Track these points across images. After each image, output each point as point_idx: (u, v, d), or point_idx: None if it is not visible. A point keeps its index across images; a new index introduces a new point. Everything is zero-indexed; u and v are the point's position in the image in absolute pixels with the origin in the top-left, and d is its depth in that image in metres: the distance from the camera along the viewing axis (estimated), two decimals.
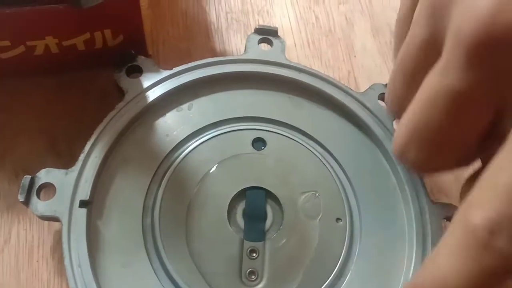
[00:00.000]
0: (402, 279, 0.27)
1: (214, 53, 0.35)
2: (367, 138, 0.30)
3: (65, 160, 0.30)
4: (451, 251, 0.17)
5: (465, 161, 0.21)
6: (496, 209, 0.16)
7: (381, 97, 0.31)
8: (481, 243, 0.16)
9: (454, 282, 0.17)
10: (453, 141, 0.19)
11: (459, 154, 0.20)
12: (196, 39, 0.36)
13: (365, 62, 0.36)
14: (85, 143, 0.27)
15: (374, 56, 0.36)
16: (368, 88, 0.31)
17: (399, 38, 0.24)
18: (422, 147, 0.20)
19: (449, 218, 0.28)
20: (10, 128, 0.31)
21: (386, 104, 0.25)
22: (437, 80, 0.18)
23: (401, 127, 0.21)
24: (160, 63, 0.31)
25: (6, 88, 0.32)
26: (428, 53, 0.20)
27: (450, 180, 0.33)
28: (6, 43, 0.28)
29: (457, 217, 0.17)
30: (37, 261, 0.28)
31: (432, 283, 0.17)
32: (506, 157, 0.16)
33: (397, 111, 0.23)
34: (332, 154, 0.30)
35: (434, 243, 0.27)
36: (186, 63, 0.30)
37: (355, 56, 0.36)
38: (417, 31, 0.20)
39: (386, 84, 0.31)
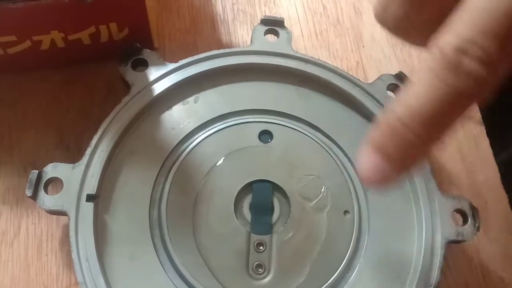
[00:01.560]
0: (411, 272, 0.26)
1: (220, 45, 0.35)
2: None
3: (73, 153, 0.30)
4: (422, 76, 0.18)
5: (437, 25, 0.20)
6: (466, 32, 0.16)
7: (390, 88, 0.31)
8: (449, 65, 0.17)
9: (423, 103, 0.17)
10: None
11: (436, 11, 0.19)
12: (202, 31, 0.35)
13: (374, 52, 0.36)
14: (91, 137, 0.27)
15: (383, 46, 0.36)
16: (377, 78, 0.31)
17: None
18: (403, 1, 0.20)
19: (459, 211, 0.28)
20: (17, 123, 0.31)
21: None
22: None
23: None
24: (166, 56, 0.31)
25: (13, 83, 0.32)
26: None
27: (462, 172, 0.32)
28: (12, 38, 0.28)
29: (431, 46, 0.18)
30: (46, 255, 0.28)
31: (403, 110, 0.18)
32: None
33: None
34: (340, 146, 0.30)
35: (444, 236, 0.27)
36: (192, 55, 0.30)
37: (363, 46, 0.36)
38: None
39: (396, 74, 0.31)
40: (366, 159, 0.20)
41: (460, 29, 0.17)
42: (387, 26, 0.21)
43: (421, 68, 0.18)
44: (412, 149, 0.19)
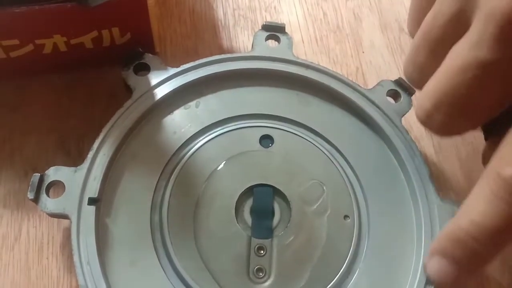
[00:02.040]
0: (410, 277, 0.27)
1: (221, 50, 0.35)
2: (375, 135, 0.30)
3: (74, 158, 0.30)
4: (485, 199, 0.21)
5: (481, 122, 0.23)
6: None
7: (390, 93, 0.31)
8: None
9: (490, 222, 0.20)
10: (479, 106, 0.22)
11: (481, 118, 0.22)
12: (203, 37, 0.36)
13: (373, 58, 0.36)
14: (93, 141, 0.27)
15: (383, 52, 0.36)
16: (377, 84, 0.31)
17: (417, 10, 0.25)
18: (450, 111, 0.22)
19: None
20: (19, 127, 0.31)
21: (406, 74, 0.26)
22: (467, 51, 0.20)
23: (428, 93, 0.22)
24: (167, 61, 0.32)
25: (14, 87, 0.32)
26: (456, 26, 0.22)
27: (460, 178, 0.32)
28: (15, 41, 0.28)
29: (488, 172, 0.21)
30: (47, 258, 0.28)
31: (470, 225, 0.21)
32: None
33: (419, 80, 0.24)
34: (340, 151, 0.30)
35: None
36: (193, 60, 0.30)
37: (363, 52, 0.36)
38: (445, 5, 0.22)
39: (395, 81, 0.31)
40: (437, 264, 0.23)
41: None
42: (431, 130, 0.24)
43: (483, 188, 0.21)
44: (478, 259, 0.22)
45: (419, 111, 0.23)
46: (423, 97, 0.23)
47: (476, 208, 0.21)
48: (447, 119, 0.22)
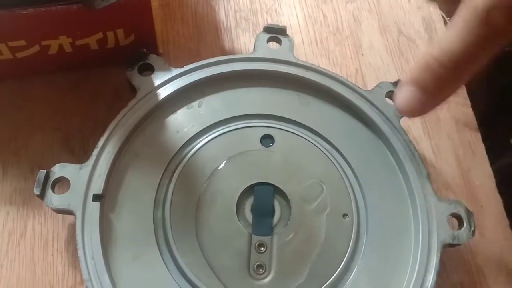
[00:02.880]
0: (408, 273, 0.27)
1: (223, 52, 0.36)
2: (374, 135, 0.31)
3: (79, 156, 0.31)
4: (456, 27, 0.22)
5: None
6: None
7: (389, 95, 0.31)
8: (480, 18, 0.21)
9: (455, 47, 0.22)
10: None
11: None
12: (205, 38, 0.36)
13: (373, 60, 0.37)
14: (97, 140, 0.28)
15: (382, 54, 0.37)
16: (376, 86, 0.32)
17: None
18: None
19: (455, 215, 0.29)
20: (24, 126, 0.32)
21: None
22: None
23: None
24: (170, 62, 0.32)
25: (20, 87, 0.33)
26: None
27: (458, 177, 0.33)
28: (22, 42, 0.29)
29: (465, 2, 0.21)
30: (52, 254, 0.29)
31: (438, 51, 0.22)
32: None
33: None
34: (339, 151, 0.30)
35: (440, 239, 0.28)
36: (196, 61, 0.31)
37: (362, 54, 0.37)
38: None
39: (394, 82, 0.32)
40: (405, 91, 0.24)
41: None
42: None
43: (455, 19, 0.22)
44: (445, 84, 0.23)
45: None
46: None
47: (446, 36, 0.22)
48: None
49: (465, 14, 0.22)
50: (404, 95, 0.24)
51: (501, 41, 0.21)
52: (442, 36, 0.23)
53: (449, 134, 0.35)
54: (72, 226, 0.29)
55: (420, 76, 0.23)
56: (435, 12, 0.39)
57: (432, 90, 0.23)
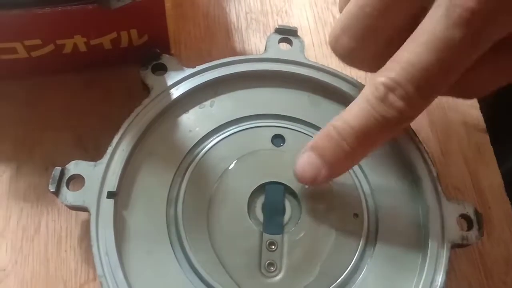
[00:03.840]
0: (417, 273, 0.27)
1: (234, 53, 0.36)
2: None
3: (92, 154, 0.31)
4: (359, 101, 0.23)
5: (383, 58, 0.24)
6: (396, 73, 0.21)
7: None
8: (379, 96, 0.22)
9: (356, 121, 0.23)
10: (381, 29, 0.23)
11: (383, 44, 0.24)
12: (216, 39, 0.37)
13: None
14: (110, 138, 0.28)
15: None
16: None
17: None
18: (353, 34, 0.24)
19: (464, 216, 0.29)
20: (39, 123, 0.32)
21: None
22: None
23: (339, 19, 0.25)
24: (182, 62, 0.32)
25: (35, 85, 0.33)
26: None
27: (466, 179, 0.33)
28: (37, 41, 0.29)
29: (369, 80, 0.23)
30: (65, 251, 0.29)
31: (340, 123, 0.23)
32: (411, 40, 0.21)
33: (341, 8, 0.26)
34: None
35: (449, 240, 0.28)
36: (207, 62, 0.31)
37: None
38: None
39: None
40: (304, 157, 0.25)
41: (392, 71, 0.22)
42: (338, 55, 0.25)
43: (360, 95, 0.23)
44: (343, 155, 0.24)
45: (330, 37, 0.25)
46: (335, 23, 0.25)
47: (350, 109, 0.23)
48: (351, 43, 0.24)
49: (366, 92, 0.23)
50: (304, 161, 0.25)
51: (406, 120, 0.22)
52: (348, 108, 0.24)
53: (457, 136, 0.35)
54: (85, 223, 0.30)
55: (321, 145, 0.24)
56: None
57: (332, 159, 0.24)
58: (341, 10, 0.26)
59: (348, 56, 0.25)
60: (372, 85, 0.22)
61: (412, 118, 0.23)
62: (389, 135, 0.23)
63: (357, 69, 0.27)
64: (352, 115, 0.23)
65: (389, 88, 0.21)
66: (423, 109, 0.22)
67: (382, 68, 0.22)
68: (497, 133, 0.36)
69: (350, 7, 0.24)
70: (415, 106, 0.22)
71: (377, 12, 0.22)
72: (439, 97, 0.23)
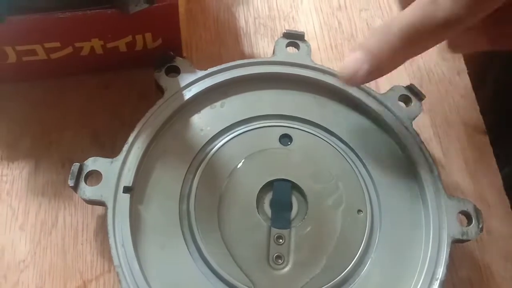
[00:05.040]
0: (419, 266, 0.29)
1: (243, 56, 0.38)
2: (387, 136, 0.32)
3: (107, 152, 0.32)
4: (411, 6, 0.23)
5: None
6: None
7: (401, 98, 0.33)
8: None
9: (403, 18, 0.23)
10: None
11: None
12: (226, 43, 0.38)
13: None
14: (125, 137, 0.30)
15: None
16: (389, 89, 0.33)
17: None
18: None
19: (464, 213, 0.30)
20: (56, 122, 0.34)
21: None
22: None
23: None
24: (194, 65, 0.34)
25: (53, 86, 0.35)
26: None
27: (466, 178, 0.34)
28: (57, 44, 0.31)
29: None
30: (82, 244, 0.31)
31: (391, 20, 0.24)
32: None
33: None
34: (354, 150, 0.32)
35: (449, 235, 0.29)
36: (217, 65, 0.33)
37: None
38: None
39: (406, 86, 0.33)
40: (350, 55, 0.25)
41: None
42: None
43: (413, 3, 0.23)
44: (387, 48, 0.24)
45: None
46: None
47: (404, 11, 0.24)
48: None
49: None
50: (348, 58, 0.25)
51: (449, 27, 0.22)
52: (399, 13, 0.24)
53: (458, 137, 0.36)
54: (101, 218, 0.31)
55: (368, 38, 0.25)
56: None
57: (374, 50, 0.24)
58: None
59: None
60: None
61: (459, 23, 0.22)
62: (435, 38, 0.24)
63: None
64: (404, 13, 0.23)
65: None
66: (471, 16, 0.22)
67: None
68: (496, 137, 0.37)
69: None
70: (461, 10, 0.22)
71: None
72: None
